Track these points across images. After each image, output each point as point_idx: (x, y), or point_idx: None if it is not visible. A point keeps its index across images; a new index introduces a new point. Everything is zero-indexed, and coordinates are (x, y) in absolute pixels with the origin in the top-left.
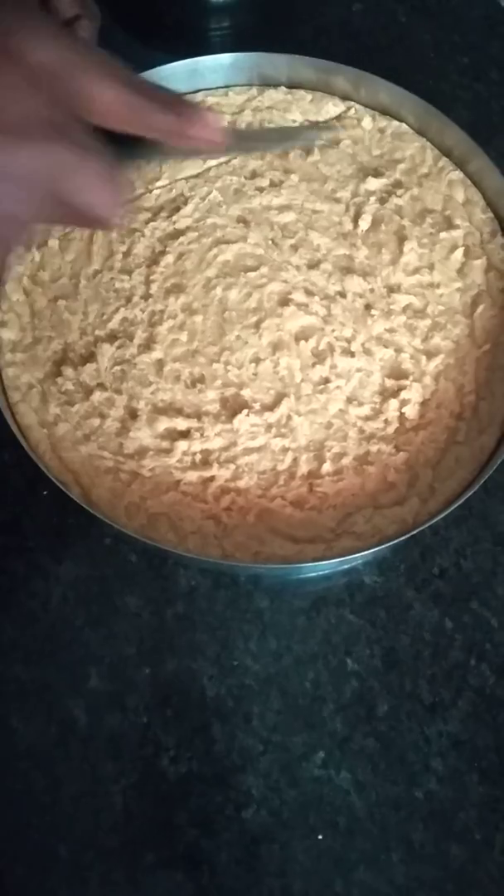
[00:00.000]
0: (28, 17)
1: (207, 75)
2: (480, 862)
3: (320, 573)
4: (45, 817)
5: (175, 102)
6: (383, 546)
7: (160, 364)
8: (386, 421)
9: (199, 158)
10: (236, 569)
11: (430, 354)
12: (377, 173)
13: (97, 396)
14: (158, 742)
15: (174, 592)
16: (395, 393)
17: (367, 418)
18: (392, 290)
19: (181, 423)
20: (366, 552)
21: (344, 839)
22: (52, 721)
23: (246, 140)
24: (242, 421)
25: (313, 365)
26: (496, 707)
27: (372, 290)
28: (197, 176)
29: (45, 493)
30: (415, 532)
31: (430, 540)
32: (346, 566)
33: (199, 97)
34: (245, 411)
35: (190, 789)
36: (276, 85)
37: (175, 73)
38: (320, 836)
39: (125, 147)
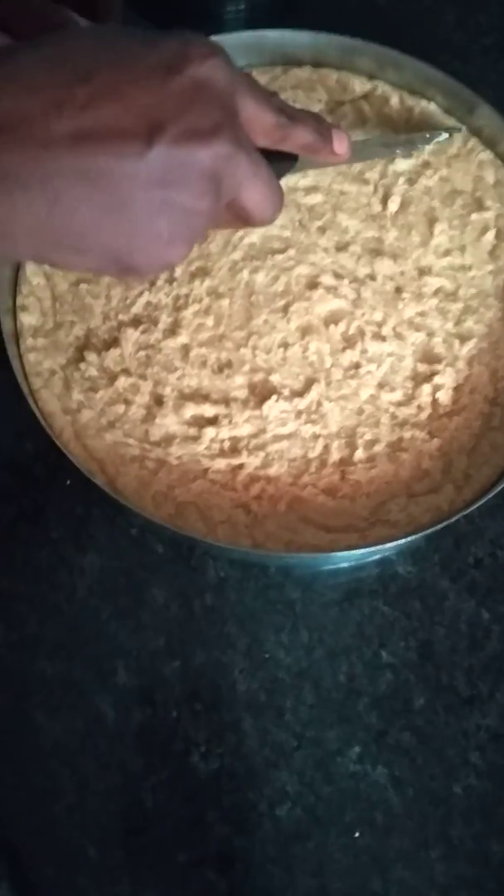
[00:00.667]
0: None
1: (230, 52)
2: None
3: (353, 564)
4: (73, 816)
5: (314, 120)
6: (420, 535)
7: (186, 349)
8: (419, 406)
9: (325, 167)
10: (267, 559)
11: (463, 338)
12: (405, 153)
13: (121, 382)
14: (189, 737)
15: (203, 584)
16: (427, 378)
17: (399, 404)
18: (423, 272)
19: (208, 410)
20: (401, 541)
21: (381, 836)
22: (79, 717)
23: (363, 150)
24: (271, 407)
25: (343, 349)
26: None
27: (402, 273)
28: None
29: (67, 482)
30: (452, 520)
31: (465, 529)
32: (378, 556)
33: None
34: (274, 397)
35: (222, 786)
36: (299, 64)
37: None
38: (357, 834)
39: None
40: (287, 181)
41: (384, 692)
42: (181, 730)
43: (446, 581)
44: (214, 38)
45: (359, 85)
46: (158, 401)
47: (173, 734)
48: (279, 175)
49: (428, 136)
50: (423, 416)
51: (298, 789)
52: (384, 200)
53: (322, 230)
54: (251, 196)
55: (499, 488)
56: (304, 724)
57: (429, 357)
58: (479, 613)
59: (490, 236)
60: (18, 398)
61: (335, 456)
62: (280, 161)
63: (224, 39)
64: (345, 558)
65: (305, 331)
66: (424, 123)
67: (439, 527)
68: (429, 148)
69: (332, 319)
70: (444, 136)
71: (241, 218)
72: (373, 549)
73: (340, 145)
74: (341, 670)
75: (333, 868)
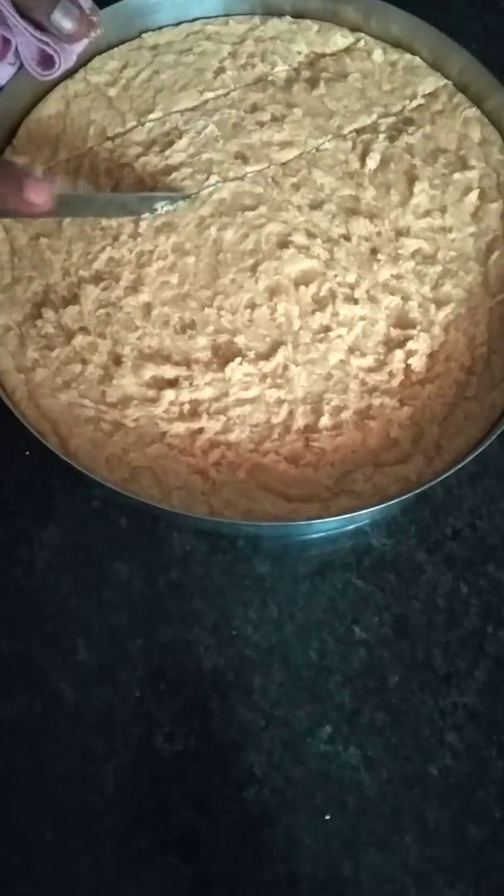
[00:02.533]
0: None
1: (206, 1)
2: (500, 842)
3: (324, 534)
4: (31, 799)
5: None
6: (383, 506)
7: (148, 308)
8: (390, 373)
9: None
10: (222, 526)
11: (440, 303)
12: (386, 110)
13: (79, 341)
14: (152, 718)
15: (168, 558)
16: (400, 343)
17: (369, 370)
18: (400, 233)
19: (169, 371)
20: (363, 511)
21: (353, 819)
22: (38, 697)
23: (76, 204)
24: (235, 370)
25: (313, 312)
26: None
27: (379, 234)
28: (193, 109)
29: (27, 453)
30: (417, 491)
31: (443, 499)
32: (350, 527)
33: (197, 25)
34: (238, 359)
35: (186, 768)
36: (279, 14)
37: (173, 1)
38: (328, 817)
39: None
40: (260, 135)
41: (357, 669)
42: (144, 710)
43: (423, 553)
44: None
45: (341, 37)
46: (117, 361)
47: (136, 714)
48: None
49: (171, 196)
50: (395, 383)
51: (266, 771)
52: (363, 157)
53: (296, 187)
54: None
55: (469, 459)
56: (273, 704)
57: (403, 322)
58: (457, 587)
59: (473, 197)
60: None
61: (300, 422)
62: None
63: None
64: (306, 528)
65: (274, 291)
66: (408, 78)
67: (403, 498)
68: (168, 208)
69: (303, 280)
70: (182, 202)
71: None
72: (335, 519)
73: (37, 195)
74: (312, 647)
75: (303, 852)
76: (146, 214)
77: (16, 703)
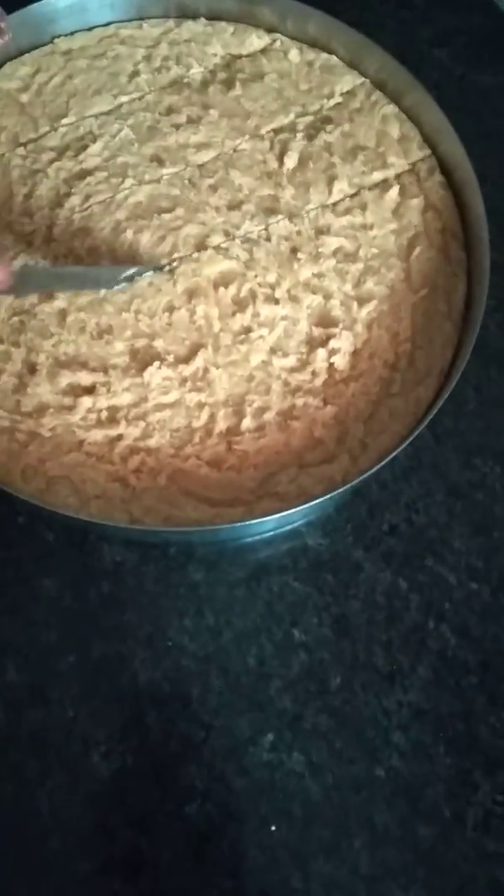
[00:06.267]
0: None
1: (119, 6)
2: (452, 841)
3: (258, 538)
4: None
5: None
6: (307, 506)
7: (63, 314)
8: (313, 372)
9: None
10: (149, 535)
11: (363, 300)
12: (304, 109)
13: None
14: (87, 737)
15: (98, 570)
16: (323, 342)
17: (292, 370)
18: (321, 232)
19: (85, 378)
20: (287, 513)
21: (300, 828)
22: None
23: (39, 280)
24: (154, 374)
25: (233, 313)
26: (459, 671)
27: (299, 233)
28: (107, 113)
29: None
30: (343, 490)
31: (378, 495)
32: (284, 528)
33: (111, 30)
34: (157, 364)
35: (125, 786)
36: (194, 16)
37: (83, 3)
38: (273, 828)
39: None
40: (177, 137)
41: (297, 674)
42: (79, 729)
43: (360, 551)
44: None
45: (257, 38)
46: (31, 369)
47: (70, 734)
48: None
49: (135, 270)
50: (318, 382)
51: (208, 784)
52: (281, 157)
53: (213, 188)
54: None
55: (391, 457)
56: (213, 714)
57: (325, 321)
58: (396, 583)
59: (393, 194)
60: None
61: (221, 425)
62: None
63: None
64: (230, 532)
65: (193, 293)
66: (325, 77)
67: (324, 499)
68: (134, 281)
69: (223, 282)
70: (149, 274)
71: None
72: (260, 521)
73: None
74: (251, 653)
75: (250, 866)
76: (116, 287)
77: None
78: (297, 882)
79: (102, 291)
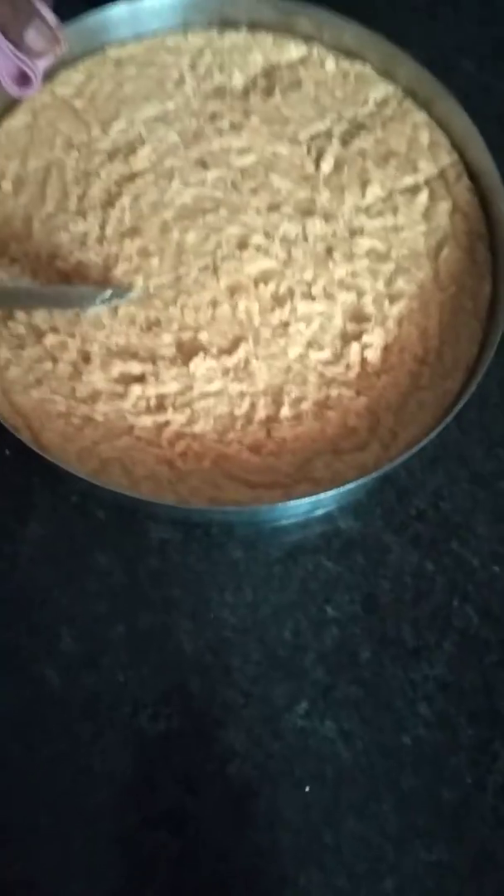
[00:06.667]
0: None
1: (166, 16)
2: (473, 806)
3: (293, 520)
4: (23, 784)
5: None
6: (340, 490)
7: (114, 307)
8: (347, 365)
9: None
10: (193, 514)
11: (393, 298)
12: (339, 116)
13: (50, 340)
14: (136, 700)
15: (145, 547)
16: (356, 337)
17: (327, 363)
18: (354, 233)
19: (135, 367)
20: (322, 496)
21: (332, 790)
22: (25, 685)
23: (17, 297)
24: (199, 365)
25: (272, 309)
26: (482, 648)
27: (334, 234)
28: (155, 118)
29: (6, 452)
30: (374, 476)
31: (407, 482)
32: (318, 512)
33: (158, 39)
34: (201, 355)
35: (171, 746)
36: (236, 26)
37: (133, 13)
38: (307, 789)
39: None
40: (220, 142)
41: (330, 647)
42: (128, 693)
43: (389, 534)
44: None
45: (295, 48)
46: (86, 358)
47: (120, 697)
48: None
49: (111, 292)
50: (352, 374)
51: (247, 747)
52: (317, 161)
53: (254, 191)
54: None
55: (420, 446)
56: (252, 682)
57: (358, 316)
58: (422, 565)
59: (423, 197)
60: None
61: (261, 413)
62: None
63: (163, 1)
64: (268, 513)
65: (235, 290)
66: (360, 86)
67: (361, 482)
68: (98, 308)
69: (262, 279)
70: (125, 296)
71: None
72: (295, 503)
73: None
74: (287, 627)
75: (285, 823)
76: (91, 308)
77: (4, 691)
78: (329, 839)
79: (71, 311)
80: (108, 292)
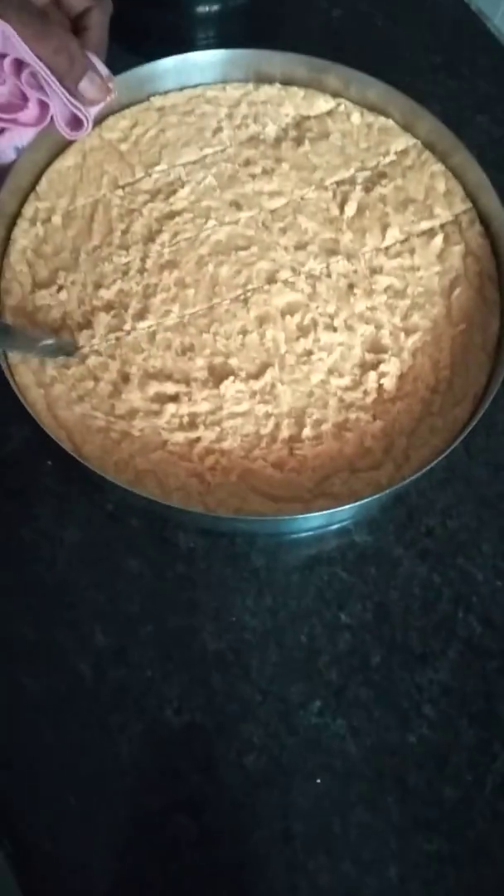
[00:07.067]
0: None
1: (207, 70)
2: (472, 802)
3: (311, 533)
4: (54, 766)
5: None
6: (356, 505)
7: (153, 333)
8: (365, 391)
9: None
10: (219, 522)
11: (409, 331)
12: (363, 164)
13: (92, 361)
14: (162, 694)
15: (174, 554)
16: (374, 366)
17: (347, 388)
18: (374, 271)
19: (170, 388)
20: (339, 510)
21: (341, 783)
22: (60, 676)
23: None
24: (228, 387)
25: (297, 338)
26: (483, 656)
27: (355, 271)
28: (194, 162)
29: (49, 463)
30: (387, 492)
31: (417, 501)
32: (334, 526)
33: (199, 90)
34: (231, 378)
35: (193, 737)
36: (270, 81)
37: (178, 66)
38: (318, 780)
39: None
40: (253, 185)
41: (343, 651)
42: (155, 687)
43: (400, 549)
44: (197, 52)
45: (324, 102)
46: (125, 378)
47: (147, 691)
48: None
49: (52, 342)
50: (369, 400)
51: (264, 740)
52: (342, 205)
53: (283, 230)
54: None
55: (430, 466)
56: (269, 681)
57: (376, 347)
58: (430, 577)
59: (438, 241)
60: (1, 385)
61: (285, 433)
62: None
63: (204, 55)
64: (290, 524)
65: (263, 320)
66: (382, 137)
67: (374, 497)
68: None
69: (289, 311)
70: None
71: None
72: (316, 515)
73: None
74: (303, 631)
75: (297, 812)
76: (30, 354)
77: (41, 683)
78: (338, 828)
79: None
80: (50, 341)
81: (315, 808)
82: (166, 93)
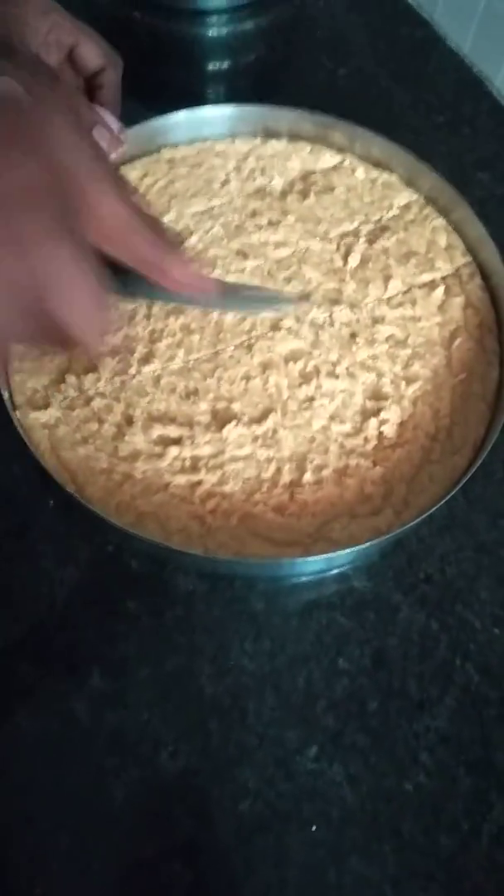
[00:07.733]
0: (57, 110)
1: (216, 125)
2: (468, 851)
3: (311, 577)
4: (48, 809)
5: (165, 240)
6: (355, 549)
7: (157, 377)
8: (365, 438)
9: (190, 307)
10: (218, 565)
11: (410, 380)
12: (367, 218)
13: (97, 403)
14: (158, 737)
15: (173, 596)
16: (375, 413)
17: (347, 435)
18: (376, 321)
19: (174, 431)
20: (338, 554)
21: (337, 830)
22: (55, 717)
23: (229, 298)
24: (231, 431)
25: (300, 384)
26: (481, 703)
27: (358, 321)
28: (202, 213)
29: (51, 502)
30: (387, 538)
31: (416, 547)
32: (334, 571)
33: (208, 144)
34: (234, 422)
35: (188, 782)
36: (277, 136)
37: (188, 120)
38: (314, 828)
39: (126, 281)
40: (259, 236)
41: (340, 696)
42: (151, 730)
43: (399, 595)
44: (217, 107)
45: (329, 157)
46: (129, 421)
47: (143, 734)
48: (131, 298)
49: (295, 299)
50: (369, 446)
51: (259, 786)
52: (345, 257)
53: (287, 280)
54: (61, 307)
55: (429, 513)
56: (266, 725)
57: (377, 395)
58: (428, 624)
59: (439, 293)
60: (5, 424)
61: (286, 478)
62: (134, 284)
63: (214, 109)
64: (289, 568)
65: (266, 366)
66: (386, 192)
67: (372, 543)
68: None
69: (292, 357)
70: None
71: (55, 333)
72: (315, 559)
73: (181, 273)
74: (301, 676)
75: (292, 860)
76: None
77: (37, 724)
78: (332, 877)
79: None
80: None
81: (310, 856)
82: (177, 145)
